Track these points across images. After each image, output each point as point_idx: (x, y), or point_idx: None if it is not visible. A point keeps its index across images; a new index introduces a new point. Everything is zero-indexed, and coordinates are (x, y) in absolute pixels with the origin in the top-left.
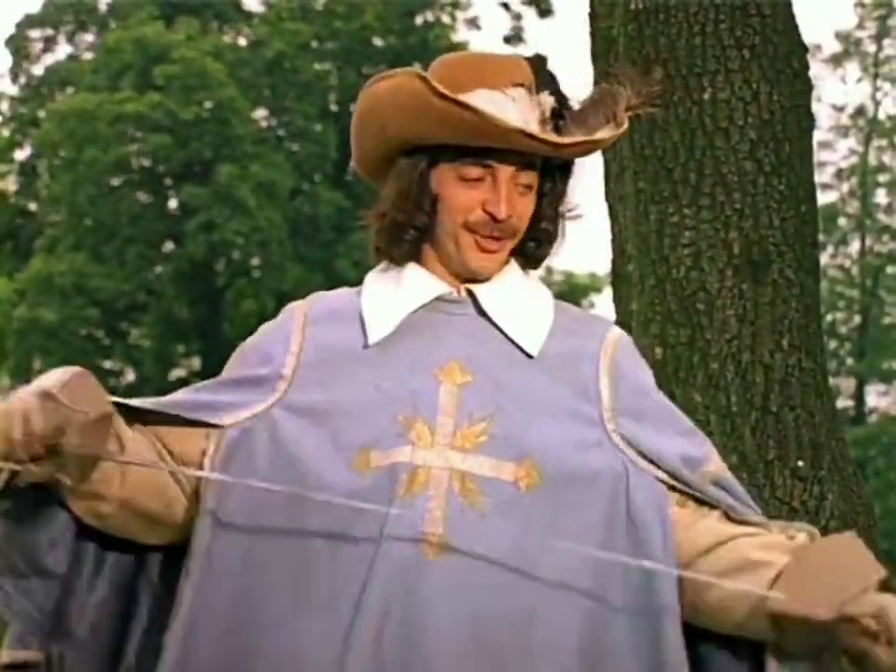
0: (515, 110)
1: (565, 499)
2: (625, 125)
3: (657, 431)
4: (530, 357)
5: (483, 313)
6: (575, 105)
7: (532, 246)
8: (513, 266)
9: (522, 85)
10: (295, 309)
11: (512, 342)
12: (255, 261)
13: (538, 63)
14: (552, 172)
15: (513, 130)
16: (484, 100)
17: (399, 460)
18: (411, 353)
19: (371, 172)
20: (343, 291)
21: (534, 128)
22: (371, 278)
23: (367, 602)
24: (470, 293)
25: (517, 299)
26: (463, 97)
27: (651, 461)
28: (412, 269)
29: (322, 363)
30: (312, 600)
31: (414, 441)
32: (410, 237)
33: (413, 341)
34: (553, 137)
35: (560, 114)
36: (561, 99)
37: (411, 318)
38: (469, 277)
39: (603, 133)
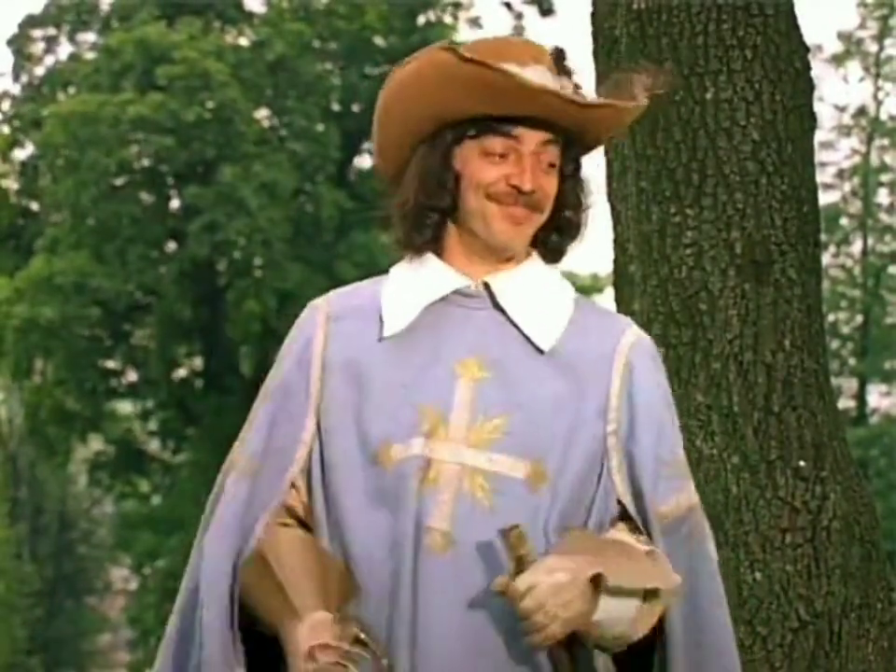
0: (540, 79)
1: (563, 502)
2: (645, 102)
3: (646, 450)
4: (542, 352)
5: (498, 307)
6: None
7: (555, 238)
8: (535, 258)
9: (544, 65)
10: (316, 308)
11: (526, 337)
12: (257, 261)
13: (557, 53)
14: (573, 156)
15: (543, 89)
16: (511, 68)
17: (415, 453)
18: (428, 346)
19: (392, 164)
20: (365, 284)
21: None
22: (396, 270)
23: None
24: (486, 286)
25: (535, 293)
26: None
27: (631, 477)
28: (431, 262)
29: (346, 361)
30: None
31: (428, 434)
32: (432, 221)
33: (430, 334)
34: (581, 97)
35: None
36: (577, 86)
37: (428, 311)
38: (494, 256)
39: (627, 102)
